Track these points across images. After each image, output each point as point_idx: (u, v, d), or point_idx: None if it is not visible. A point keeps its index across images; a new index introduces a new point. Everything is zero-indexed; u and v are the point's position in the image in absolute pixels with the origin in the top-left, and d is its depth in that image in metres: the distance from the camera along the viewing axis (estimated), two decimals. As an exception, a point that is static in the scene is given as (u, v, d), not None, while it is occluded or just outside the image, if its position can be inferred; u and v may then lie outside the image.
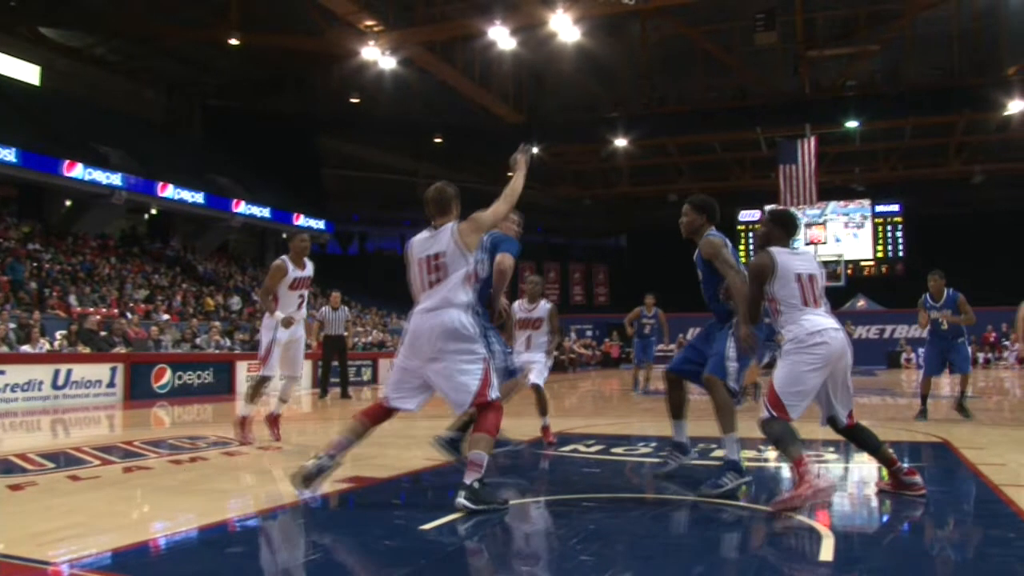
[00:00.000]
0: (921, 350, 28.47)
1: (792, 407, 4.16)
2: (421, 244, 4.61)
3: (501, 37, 23.33)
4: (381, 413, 4.60)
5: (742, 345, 4.66)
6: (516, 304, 7.04)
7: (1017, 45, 26.32)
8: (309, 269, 7.38)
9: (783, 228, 4.57)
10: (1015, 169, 32.52)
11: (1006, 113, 27.65)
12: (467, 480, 4.20)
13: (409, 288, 4.66)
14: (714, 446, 6.02)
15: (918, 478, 4.53)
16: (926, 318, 9.33)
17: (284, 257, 7.24)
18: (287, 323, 7.10)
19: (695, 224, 5.07)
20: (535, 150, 29.06)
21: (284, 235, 31.84)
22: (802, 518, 3.99)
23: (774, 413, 4.15)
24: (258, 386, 7.35)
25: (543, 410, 6.96)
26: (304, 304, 7.47)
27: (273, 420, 7.55)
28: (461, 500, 4.14)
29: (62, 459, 6.51)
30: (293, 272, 7.19)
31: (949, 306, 9.18)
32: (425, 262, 4.53)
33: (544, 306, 7.15)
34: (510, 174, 4.81)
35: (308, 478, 4.43)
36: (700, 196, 5.22)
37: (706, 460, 5.82)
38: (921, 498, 4.43)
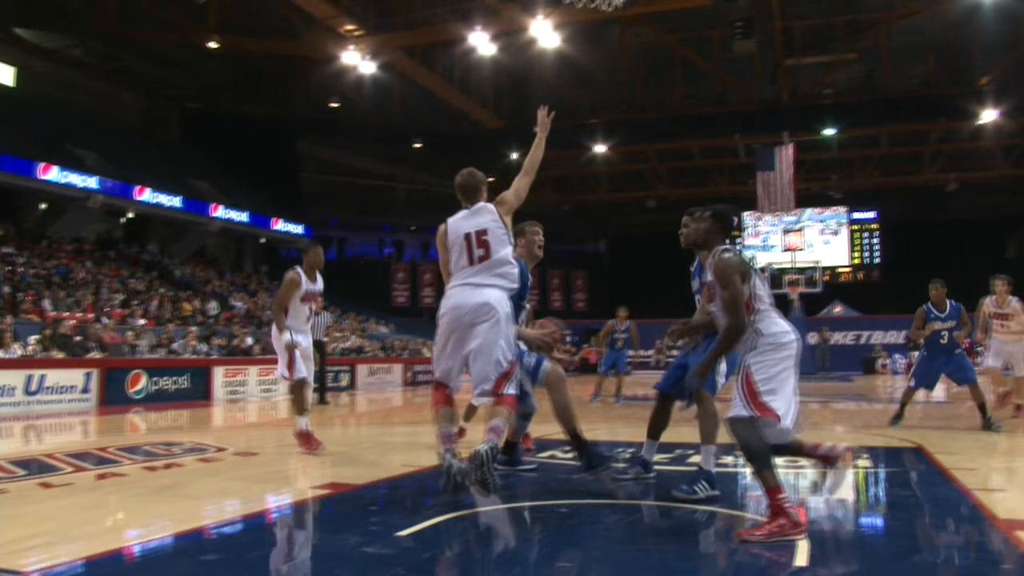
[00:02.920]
0: (897, 355, 28.88)
1: (784, 411, 3.80)
2: (462, 222, 4.78)
3: (481, 43, 23.40)
4: (449, 396, 4.84)
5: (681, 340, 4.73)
6: None
7: (990, 56, 26.81)
8: (320, 283, 7.29)
9: (723, 226, 4.28)
10: (987, 178, 33.08)
11: (979, 122, 28.12)
12: (487, 444, 4.38)
13: (445, 267, 4.82)
14: (691, 452, 6.05)
15: (828, 444, 4.14)
16: (929, 330, 8.80)
17: (298, 268, 7.10)
18: (290, 348, 6.99)
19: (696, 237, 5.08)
20: (514, 155, 29.11)
21: (262, 240, 31.69)
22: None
23: (756, 412, 3.78)
24: (297, 393, 7.20)
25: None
26: (312, 317, 7.40)
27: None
28: (483, 447, 4.33)
29: (34, 466, 6.42)
30: (306, 285, 7.09)
31: (955, 317, 8.72)
32: (471, 238, 4.70)
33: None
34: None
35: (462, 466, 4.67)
36: (700, 210, 5.21)
37: (681, 466, 5.85)
38: (847, 451, 4.06)
